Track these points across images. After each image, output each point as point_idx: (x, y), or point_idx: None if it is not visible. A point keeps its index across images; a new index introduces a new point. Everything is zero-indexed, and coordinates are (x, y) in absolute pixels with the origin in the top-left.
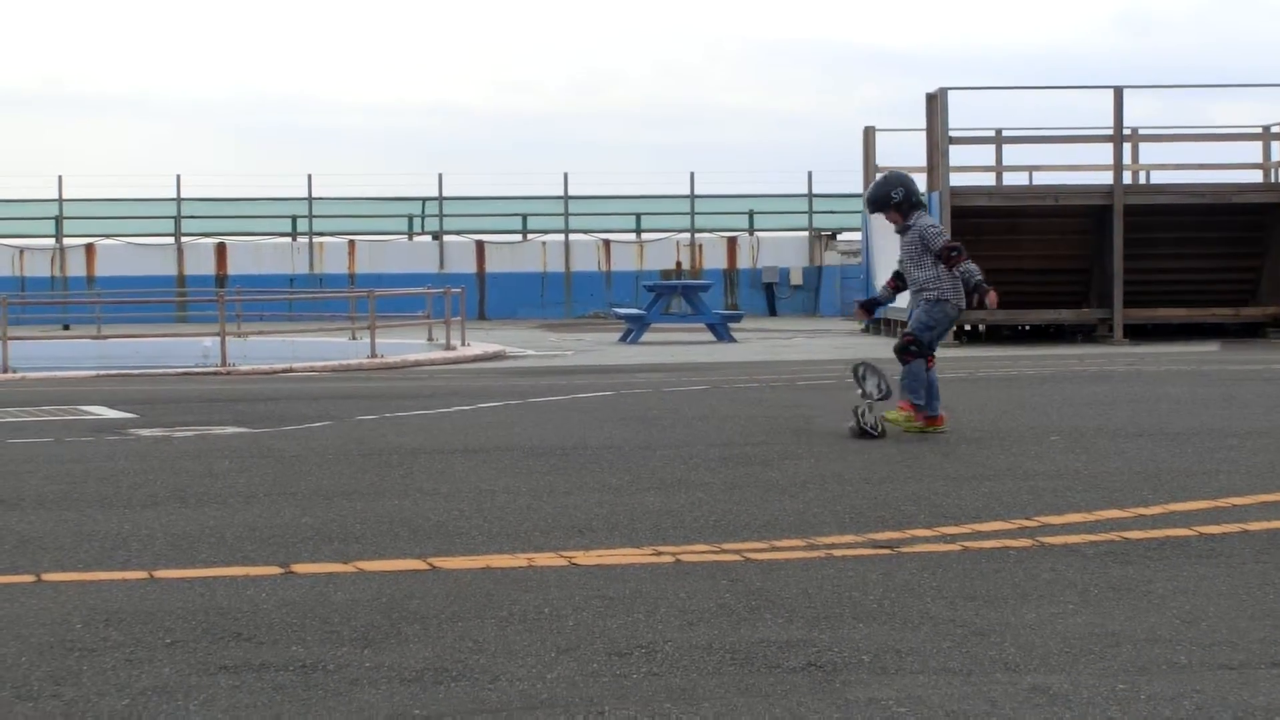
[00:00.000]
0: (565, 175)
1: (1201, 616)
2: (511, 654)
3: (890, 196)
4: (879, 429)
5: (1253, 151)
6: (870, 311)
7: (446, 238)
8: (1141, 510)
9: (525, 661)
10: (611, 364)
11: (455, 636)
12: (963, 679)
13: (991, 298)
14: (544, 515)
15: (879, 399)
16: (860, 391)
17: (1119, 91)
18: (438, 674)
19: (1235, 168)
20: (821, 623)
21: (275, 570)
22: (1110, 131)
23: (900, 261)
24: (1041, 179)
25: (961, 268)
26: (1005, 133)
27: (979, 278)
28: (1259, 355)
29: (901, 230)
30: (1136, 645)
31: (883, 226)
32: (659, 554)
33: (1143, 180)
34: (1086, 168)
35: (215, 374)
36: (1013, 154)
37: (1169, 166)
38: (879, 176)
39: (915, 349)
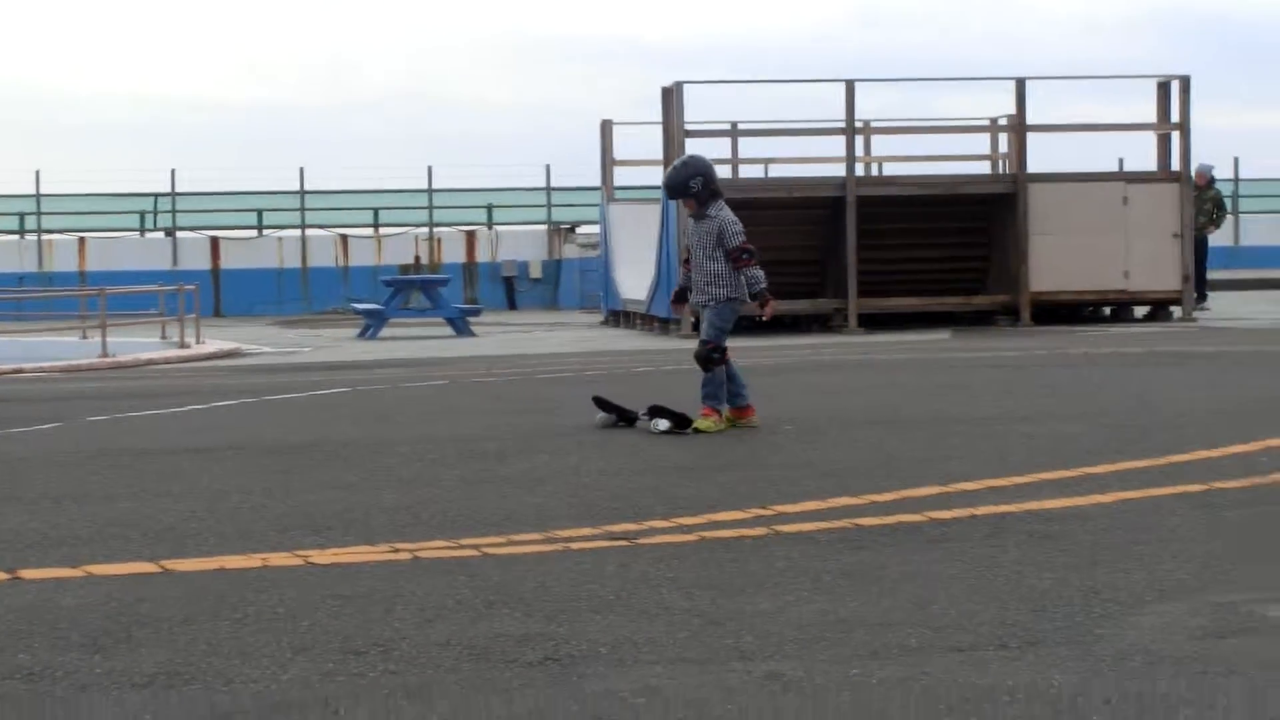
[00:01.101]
0: (301, 170)
1: (932, 600)
2: (246, 655)
3: (689, 186)
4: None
5: (981, 143)
6: (684, 302)
7: (180, 234)
8: (875, 497)
9: (260, 663)
10: (349, 360)
11: (188, 639)
12: (699, 668)
13: (769, 309)
14: (279, 515)
15: (676, 430)
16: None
17: (850, 85)
18: (170, 678)
19: (965, 159)
20: (559, 616)
21: (0, 576)
22: (843, 124)
23: (689, 247)
24: (777, 171)
25: (748, 273)
26: (741, 126)
27: (763, 285)
28: (988, 343)
29: (698, 217)
30: (869, 630)
31: (622, 219)
32: (396, 551)
33: (875, 172)
34: (820, 160)
35: None
36: (749, 147)
37: (901, 159)
38: (678, 161)
39: (719, 355)
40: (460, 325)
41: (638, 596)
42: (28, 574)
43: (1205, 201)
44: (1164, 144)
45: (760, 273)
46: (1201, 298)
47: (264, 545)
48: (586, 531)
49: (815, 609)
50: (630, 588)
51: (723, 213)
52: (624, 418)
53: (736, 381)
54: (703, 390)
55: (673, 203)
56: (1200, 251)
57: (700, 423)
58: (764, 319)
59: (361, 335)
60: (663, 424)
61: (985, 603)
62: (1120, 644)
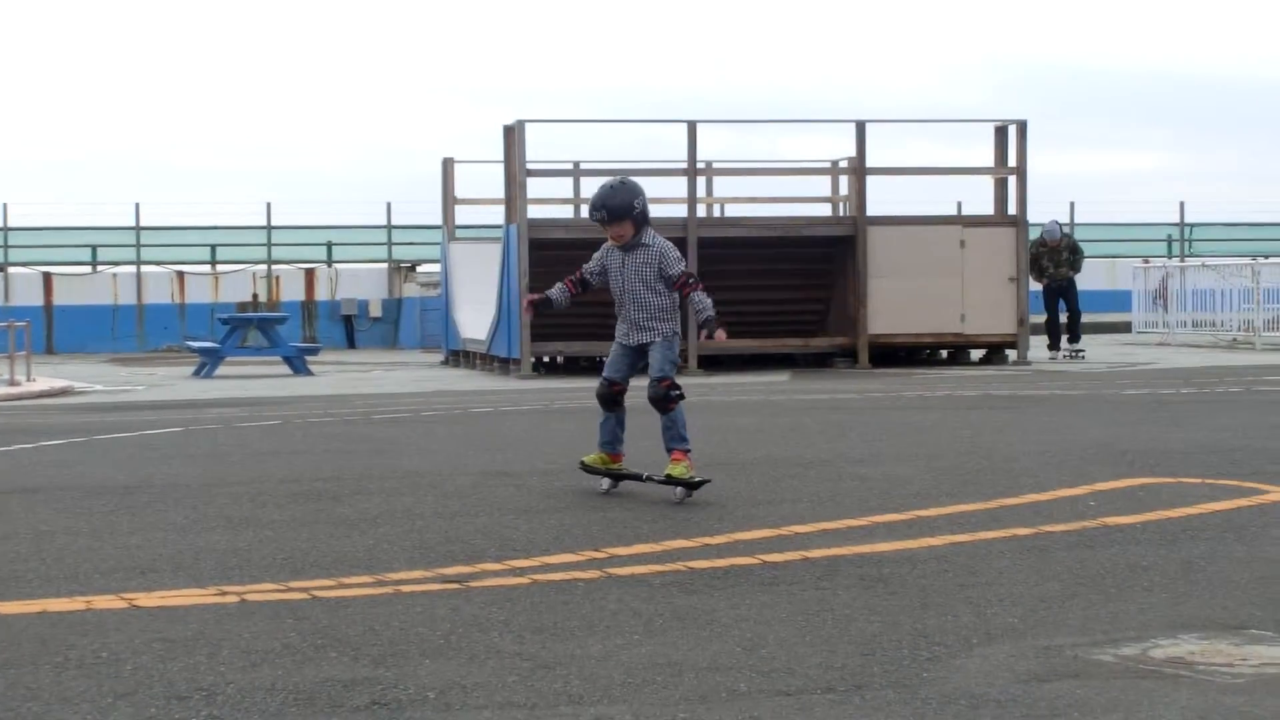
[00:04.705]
0: (137, 205)
1: (762, 644)
2: (67, 701)
3: (633, 206)
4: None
5: (823, 185)
6: (540, 310)
7: (11, 269)
8: (708, 540)
9: (81, 708)
10: (183, 399)
11: (6, 684)
12: (527, 712)
13: (720, 335)
14: (105, 556)
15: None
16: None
17: (693, 126)
18: None
19: (807, 201)
20: (387, 660)
21: None
22: (685, 165)
23: (615, 280)
24: None
25: (697, 298)
26: (583, 165)
27: (711, 312)
28: (826, 384)
29: (629, 246)
30: (698, 674)
31: (464, 258)
32: (224, 594)
33: (717, 213)
34: (662, 200)
35: None
36: (591, 187)
37: (743, 200)
38: (615, 181)
39: (678, 393)
40: (298, 364)
41: (468, 640)
42: None
43: (1062, 252)
44: (1001, 188)
45: (709, 300)
46: (1074, 339)
47: (89, 587)
48: (418, 574)
49: (645, 652)
50: (461, 631)
51: (657, 239)
52: (621, 478)
53: (623, 426)
54: (665, 435)
55: (512, 242)
56: (1071, 295)
57: (674, 468)
58: (719, 342)
59: (196, 374)
60: (680, 492)
61: (814, 646)
62: (946, 687)
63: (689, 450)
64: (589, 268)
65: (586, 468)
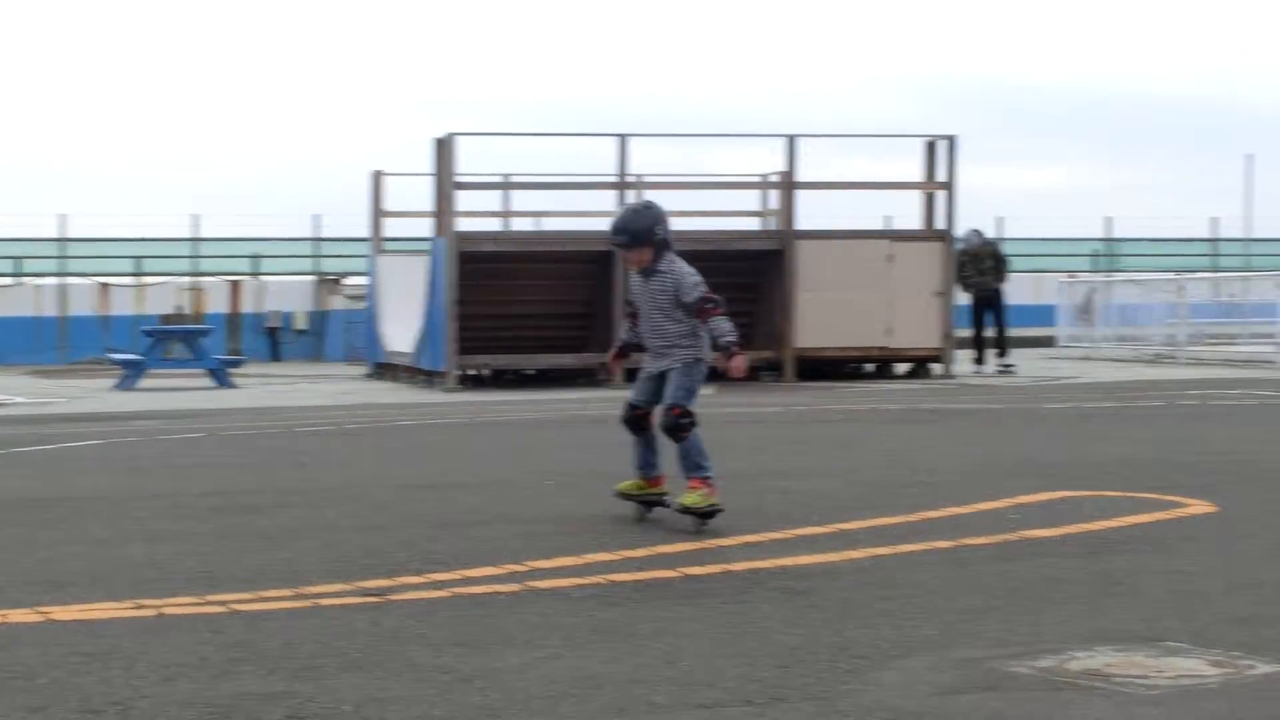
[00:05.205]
0: (62, 217)
1: (681, 656)
2: None
3: (655, 232)
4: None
5: (753, 199)
6: (625, 356)
7: None
8: (629, 553)
9: None
10: (105, 411)
11: None
12: None
13: (739, 362)
14: (21, 570)
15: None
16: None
17: (623, 139)
18: None
19: (737, 215)
20: (304, 674)
21: None
22: (616, 178)
23: (637, 305)
24: (550, 225)
25: (715, 323)
26: (514, 178)
27: (731, 338)
28: (751, 398)
29: (648, 273)
30: (617, 686)
31: (390, 271)
32: (141, 607)
33: None
34: (593, 214)
35: None
36: (521, 200)
37: (673, 214)
38: (637, 204)
39: (688, 420)
40: (221, 377)
41: (387, 654)
42: None
43: (985, 259)
44: (930, 202)
45: (728, 325)
46: (1003, 353)
47: (4, 601)
48: (338, 587)
49: (565, 665)
50: (379, 645)
51: (675, 265)
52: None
53: (654, 449)
54: (682, 464)
55: (441, 255)
56: (999, 310)
57: (688, 497)
58: (734, 375)
59: (119, 386)
60: (691, 522)
61: (734, 659)
62: (864, 699)
63: (708, 477)
64: (630, 295)
65: (622, 494)
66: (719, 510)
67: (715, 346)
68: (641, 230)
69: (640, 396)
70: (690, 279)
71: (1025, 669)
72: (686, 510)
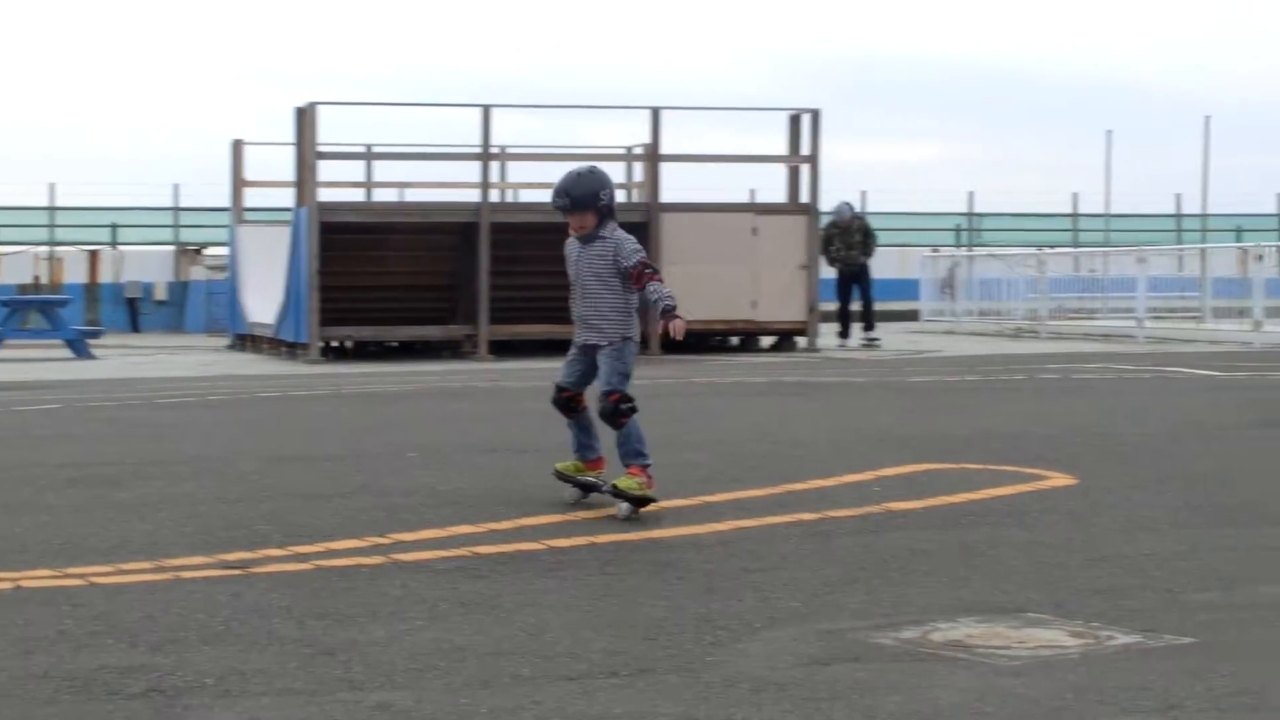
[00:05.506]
0: None
1: (546, 629)
2: None
3: (599, 198)
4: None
5: (618, 172)
6: None
7: None
8: (494, 525)
9: None
10: None
11: None
12: (307, 699)
13: (679, 325)
14: None
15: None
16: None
17: (486, 110)
18: None
19: None
20: (165, 647)
21: None
22: (479, 149)
23: (572, 274)
24: (413, 196)
25: (654, 287)
26: (376, 149)
27: (670, 301)
28: None
29: (587, 239)
30: (482, 659)
31: (251, 241)
32: None
33: (511, 198)
34: (456, 185)
35: None
36: (384, 170)
37: (537, 185)
38: (583, 169)
39: (628, 405)
40: (80, 348)
41: (249, 626)
42: None
43: (854, 234)
44: (794, 176)
45: (666, 289)
46: (869, 327)
47: None
48: (199, 560)
49: (429, 638)
50: (241, 618)
51: (617, 233)
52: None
53: (590, 432)
54: (621, 450)
55: (302, 225)
56: (865, 283)
57: (624, 481)
58: (676, 336)
59: None
60: (625, 507)
61: (599, 631)
62: (729, 671)
63: (647, 465)
64: (576, 270)
65: (559, 475)
66: (653, 500)
67: (659, 312)
68: (585, 196)
69: (567, 378)
70: (630, 244)
71: (889, 640)
72: (619, 493)
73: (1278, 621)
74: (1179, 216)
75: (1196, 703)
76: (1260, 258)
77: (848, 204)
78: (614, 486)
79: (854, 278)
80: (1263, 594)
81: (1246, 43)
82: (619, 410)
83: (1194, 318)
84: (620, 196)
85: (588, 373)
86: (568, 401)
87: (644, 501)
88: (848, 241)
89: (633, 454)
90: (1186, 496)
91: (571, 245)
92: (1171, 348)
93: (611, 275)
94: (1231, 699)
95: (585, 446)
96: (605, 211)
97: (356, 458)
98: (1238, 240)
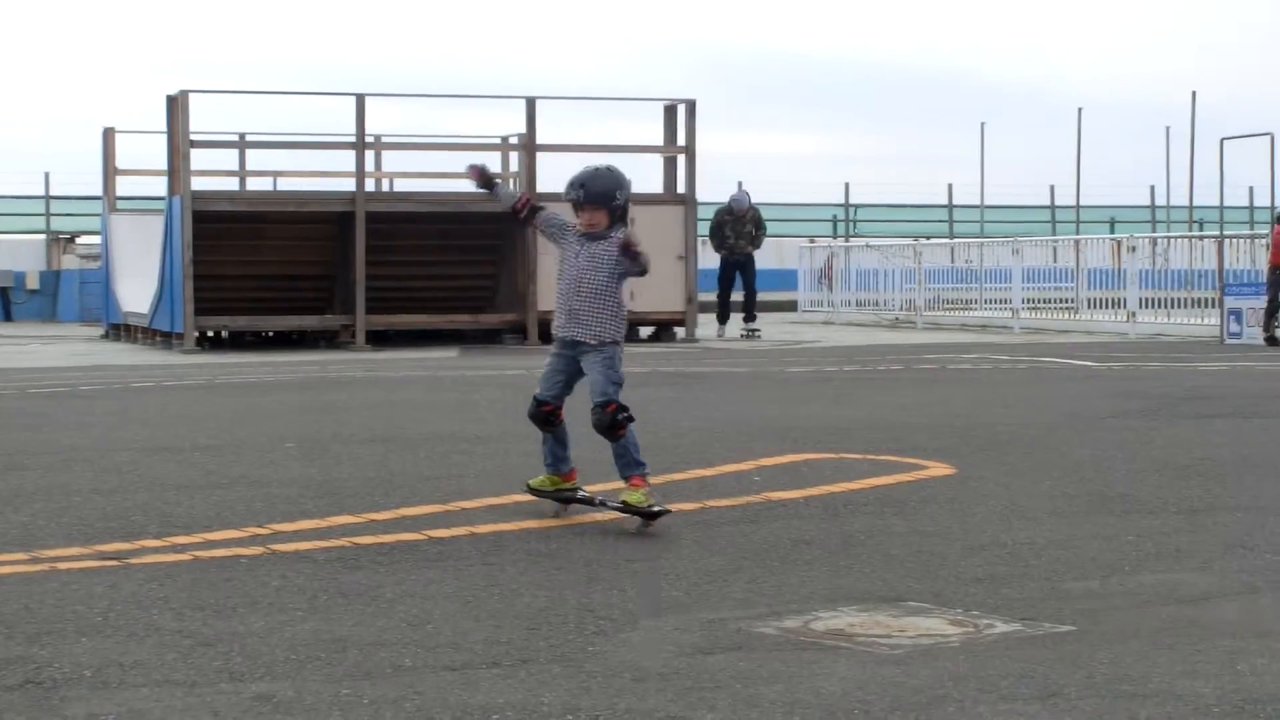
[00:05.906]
0: None
1: (428, 619)
2: None
3: (615, 197)
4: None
5: (494, 162)
6: (481, 175)
7: None
8: (373, 516)
9: None
10: None
11: None
12: (186, 690)
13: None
14: None
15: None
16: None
17: (361, 99)
18: None
19: None
20: (42, 638)
21: None
22: (354, 139)
23: (576, 271)
24: (287, 184)
25: (644, 259)
26: (250, 137)
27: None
28: (495, 360)
29: (594, 236)
30: (363, 650)
31: (125, 230)
32: None
33: (387, 188)
34: (331, 174)
35: None
36: (258, 159)
37: (413, 175)
38: (600, 166)
39: (625, 415)
40: None
41: (126, 618)
42: None
43: (746, 223)
44: (670, 166)
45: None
46: (750, 318)
47: None
48: (75, 551)
49: (309, 629)
50: (119, 609)
51: (623, 231)
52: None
53: (565, 445)
54: (620, 462)
55: (176, 214)
56: (749, 274)
57: (631, 495)
58: (633, 244)
59: None
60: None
61: (480, 621)
62: (611, 661)
63: (647, 474)
64: (550, 218)
65: (534, 491)
66: (667, 512)
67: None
68: (600, 193)
69: (548, 391)
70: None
71: (770, 629)
72: (629, 508)
73: (1156, 609)
74: (1053, 208)
75: (1077, 690)
76: (1133, 249)
77: (746, 193)
78: (624, 503)
79: (738, 267)
80: (1140, 582)
81: (1118, 36)
82: (617, 421)
83: (1069, 309)
84: None
85: (569, 383)
86: (548, 416)
87: (657, 515)
88: (739, 231)
89: (632, 465)
90: (1064, 486)
91: (571, 242)
92: (1047, 338)
93: (611, 276)
94: (1111, 686)
95: (560, 460)
96: (618, 215)
97: (233, 448)
98: (1111, 232)
